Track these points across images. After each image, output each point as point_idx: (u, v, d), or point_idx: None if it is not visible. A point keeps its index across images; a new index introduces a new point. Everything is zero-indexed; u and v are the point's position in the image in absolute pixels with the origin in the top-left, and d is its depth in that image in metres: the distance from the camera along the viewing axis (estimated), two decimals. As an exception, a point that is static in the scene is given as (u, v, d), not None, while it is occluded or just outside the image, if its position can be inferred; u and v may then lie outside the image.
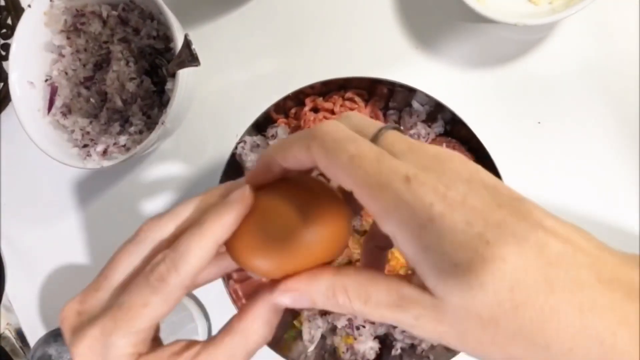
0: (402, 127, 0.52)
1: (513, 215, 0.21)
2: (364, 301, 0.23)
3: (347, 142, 0.23)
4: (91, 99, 0.56)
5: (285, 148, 0.25)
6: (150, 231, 0.27)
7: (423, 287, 0.22)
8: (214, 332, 0.31)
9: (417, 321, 0.22)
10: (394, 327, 0.51)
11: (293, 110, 0.53)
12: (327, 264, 0.26)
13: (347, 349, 0.51)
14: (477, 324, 0.21)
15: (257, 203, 0.26)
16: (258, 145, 0.52)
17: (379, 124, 0.25)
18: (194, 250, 0.25)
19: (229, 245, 0.26)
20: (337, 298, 0.24)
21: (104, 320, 0.25)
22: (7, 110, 0.61)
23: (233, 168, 0.52)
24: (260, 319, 0.26)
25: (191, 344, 0.26)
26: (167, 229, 0.27)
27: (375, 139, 0.24)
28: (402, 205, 0.21)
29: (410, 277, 0.23)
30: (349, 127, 0.25)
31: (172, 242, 0.26)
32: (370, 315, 0.24)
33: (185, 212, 0.27)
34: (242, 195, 0.26)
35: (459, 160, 0.23)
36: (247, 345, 0.26)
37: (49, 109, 0.55)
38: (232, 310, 0.50)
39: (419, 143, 0.24)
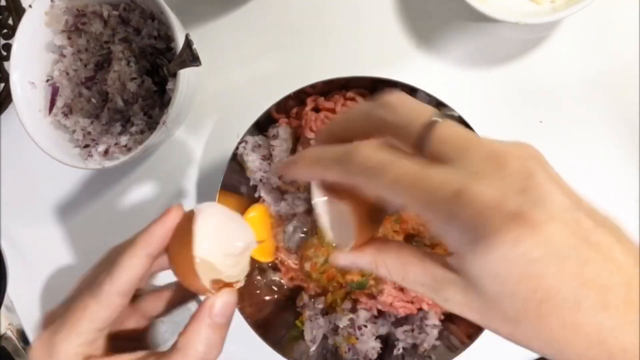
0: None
1: (562, 230, 0.21)
2: (402, 278, 0.26)
3: (384, 167, 0.23)
4: (92, 99, 0.56)
5: (325, 170, 0.26)
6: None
7: (456, 270, 0.24)
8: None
9: (446, 303, 0.24)
10: (396, 327, 0.51)
11: (294, 110, 0.53)
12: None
13: (349, 349, 0.51)
14: (500, 317, 0.23)
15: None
16: (259, 145, 0.52)
17: (428, 112, 0.24)
18: (126, 261, 0.29)
19: (170, 260, 0.30)
20: (379, 270, 0.27)
21: (54, 325, 0.28)
22: (8, 111, 0.61)
23: (234, 168, 0.52)
24: (200, 337, 0.28)
25: (148, 355, 0.29)
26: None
27: (423, 135, 0.24)
28: (453, 220, 0.22)
29: (444, 257, 0.25)
30: (394, 119, 0.25)
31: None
32: (407, 287, 0.27)
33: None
34: (167, 214, 0.30)
35: (518, 160, 0.22)
36: None
37: (50, 109, 0.55)
38: (234, 310, 0.50)
39: (472, 140, 0.23)
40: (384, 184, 0.23)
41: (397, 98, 0.25)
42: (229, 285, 0.29)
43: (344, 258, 0.28)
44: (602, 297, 0.21)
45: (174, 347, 0.28)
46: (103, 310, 0.28)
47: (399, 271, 0.26)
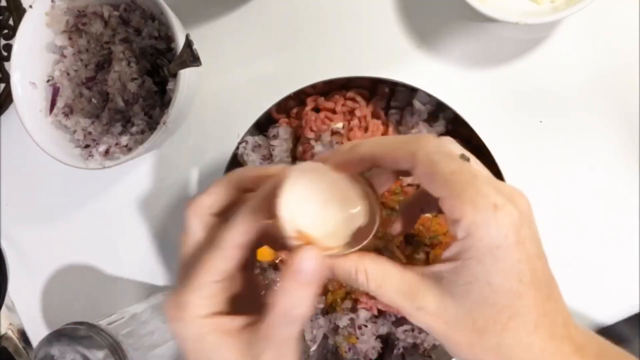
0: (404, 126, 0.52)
1: (544, 267, 0.28)
2: (379, 285, 0.28)
3: (450, 159, 0.27)
4: (93, 100, 0.56)
5: (389, 149, 0.29)
6: (187, 214, 0.32)
7: (435, 280, 0.27)
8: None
9: (417, 312, 0.27)
10: (397, 327, 0.51)
11: (294, 110, 0.53)
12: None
13: (350, 349, 0.51)
14: (468, 327, 0.27)
15: None
16: (259, 145, 0.52)
17: (457, 153, 0.29)
18: (241, 214, 0.30)
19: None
20: (357, 276, 0.29)
21: (181, 282, 0.30)
22: (9, 111, 0.62)
23: (235, 168, 0.52)
24: (284, 292, 0.28)
25: (258, 318, 0.30)
26: (196, 204, 0.32)
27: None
28: (484, 225, 0.26)
29: (422, 269, 0.28)
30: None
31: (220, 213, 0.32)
32: (381, 297, 0.29)
33: (211, 189, 0.32)
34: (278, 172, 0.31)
35: (526, 202, 0.28)
36: (275, 317, 0.28)
37: (51, 109, 0.55)
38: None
39: (494, 178, 0.29)
40: (444, 173, 0.27)
41: (432, 136, 0.30)
42: (316, 245, 0.29)
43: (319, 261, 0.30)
44: (551, 327, 0.27)
45: (269, 306, 0.30)
46: (221, 262, 0.30)
47: (377, 278, 0.29)
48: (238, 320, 0.30)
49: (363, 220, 0.30)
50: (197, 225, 0.32)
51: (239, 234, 0.30)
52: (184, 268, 0.32)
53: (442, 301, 0.27)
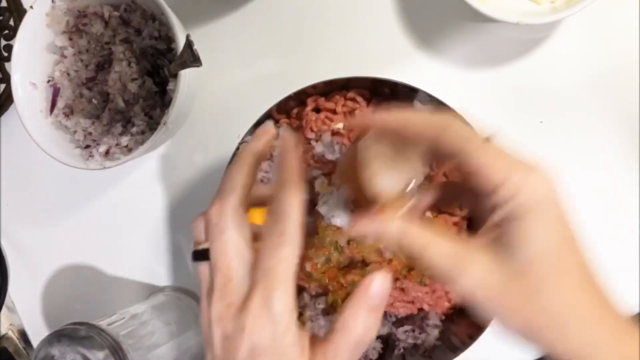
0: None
1: (576, 233, 0.28)
2: (424, 247, 0.28)
3: (475, 136, 0.28)
4: (93, 100, 0.56)
5: (412, 123, 0.29)
6: (224, 217, 0.30)
7: (481, 248, 0.28)
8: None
9: (464, 276, 0.27)
10: (397, 327, 0.51)
11: (295, 110, 0.53)
12: None
13: (350, 349, 0.51)
14: (519, 289, 0.27)
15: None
16: (260, 146, 0.52)
17: (481, 133, 0.29)
18: (291, 200, 0.29)
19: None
20: (402, 238, 0.29)
21: (258, 291, 0.28)
22: (10, 111, 0.61)
23: (235, 168, 0.52)
24: (358, 319, 0.28)
25: (312, 334, 0.30)
26: (232, 206, 0.30)
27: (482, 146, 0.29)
28: (526, 183, 0.27)
29: (467, 239, 0.28)
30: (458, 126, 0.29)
31: (246, 206, 0.31)
32: (425, 260, 0.28)
33: (237, 183, 0.31)
34: (287, 137, 0.32)
35: (547, 176, 0.29)
36: (350, 341, 0.28)
37: (51, 109, 0.55)
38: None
39: (511, 153, 0.29)
40: (471, 147, 0.27)
41: (458, 123, 0.30)
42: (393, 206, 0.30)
43: (368, 225, 0.30)
44: (593, 288, 0.27)
45: (333, 327, 0.29)
46: (297, 252, 0.29)
47: (424, 240, 0.28)
48: (306, 335, 0.29)
49: (422, 175, 0.31)
50: (237, 228, 0.30)
51: (298, 221, 0.29)
52: (245, 274, 0.29)
53: (490, 265, 0.27)
